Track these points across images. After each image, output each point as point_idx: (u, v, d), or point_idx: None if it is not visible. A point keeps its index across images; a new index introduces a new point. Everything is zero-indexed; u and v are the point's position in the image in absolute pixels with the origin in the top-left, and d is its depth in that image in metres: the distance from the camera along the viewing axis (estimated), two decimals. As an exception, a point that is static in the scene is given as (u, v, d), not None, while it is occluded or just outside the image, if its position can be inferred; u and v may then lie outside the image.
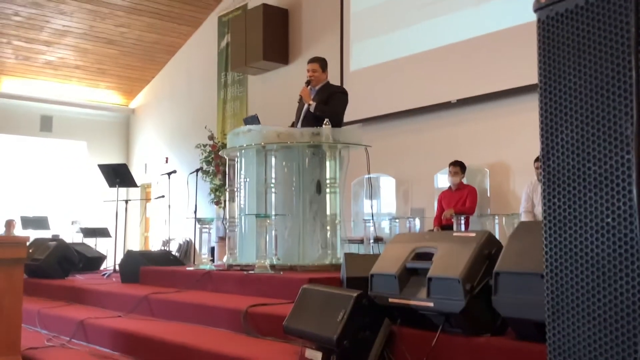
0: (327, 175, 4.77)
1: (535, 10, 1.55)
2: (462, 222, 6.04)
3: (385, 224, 7.50)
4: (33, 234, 8.89)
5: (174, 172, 8.00)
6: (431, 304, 2.45)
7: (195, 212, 7.29)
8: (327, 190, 4.75)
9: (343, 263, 3.64)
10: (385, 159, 7.30)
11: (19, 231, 10.32)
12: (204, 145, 10.16)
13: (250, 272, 4.36)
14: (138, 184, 7.77)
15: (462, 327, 2.39)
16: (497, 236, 3.76)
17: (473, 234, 2.54)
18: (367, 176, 5.60)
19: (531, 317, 2.11)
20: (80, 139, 12.94)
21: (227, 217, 5.27)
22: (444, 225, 6.66)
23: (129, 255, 5.73)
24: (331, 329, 2.55)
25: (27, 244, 3.67)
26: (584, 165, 1.42)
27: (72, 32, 11.12)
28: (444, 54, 7.26)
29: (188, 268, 5.19)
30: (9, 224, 10.54)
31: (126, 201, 7.19)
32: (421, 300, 2.49)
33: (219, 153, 8.88)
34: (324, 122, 4.75)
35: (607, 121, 1.37)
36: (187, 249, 7.14)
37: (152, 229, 12.48)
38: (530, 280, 2.12)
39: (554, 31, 1.50)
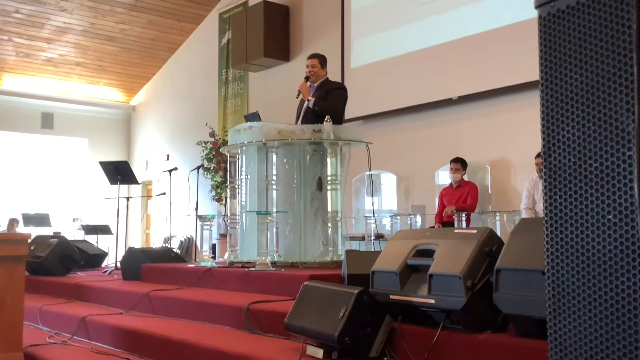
0: (328, 172, 4.76)
1: (537, 7, 1.55)
2: (463, 218, 6.06)
3: (386, 221, 7.50)
4: (34, 231, 8.93)
5: (175, 169, 8.00)
6: (432, 301, 2.45)
7: (196, 209, 7.30)
8: (328, 187, 4.75)
9: (344, 260, 3.65)
10: (387, 156, 7.30)
11: (20, 228, 10.33)
12: (205, 142, 10.17)
13: (252, 269, 4.35)
14: (139, 181, 7.78)
15: (463, 324, 2.40)
16: (498, 233, 3.77)
17: (474, 231, 2.53)
18: (368, 173, 5.59)
19: (532, 313, 2.11)
20: (82, 136, 12.95)
21: (228, 214, 5.26)
22: (445, 222, 6.67)
23: (130, 253, 5.73)
24: (332, 325, 2.55)
25: (29, 241, 3.67)
26: (585, 162, 1.42)
27: (72, 29, 11.12)
28: (445, 50, 7.25)
29: (189, 265, 5.20)
30: (12, 223, 10.55)
31: (127, 198, 7.19)
32: (422, 297, 2.49)
33: (220, 150, 8.87)
34: (325, 119, 4.75)
35: (609, 117, 1.37)
36: (188, 246, 7.15)
37: (153, 226, 12.49)
38: (531, 277, 2.11)
39: (555, 28, 1.50)
